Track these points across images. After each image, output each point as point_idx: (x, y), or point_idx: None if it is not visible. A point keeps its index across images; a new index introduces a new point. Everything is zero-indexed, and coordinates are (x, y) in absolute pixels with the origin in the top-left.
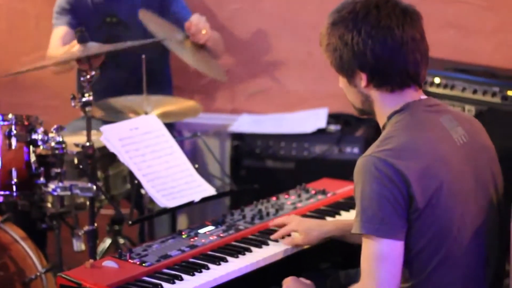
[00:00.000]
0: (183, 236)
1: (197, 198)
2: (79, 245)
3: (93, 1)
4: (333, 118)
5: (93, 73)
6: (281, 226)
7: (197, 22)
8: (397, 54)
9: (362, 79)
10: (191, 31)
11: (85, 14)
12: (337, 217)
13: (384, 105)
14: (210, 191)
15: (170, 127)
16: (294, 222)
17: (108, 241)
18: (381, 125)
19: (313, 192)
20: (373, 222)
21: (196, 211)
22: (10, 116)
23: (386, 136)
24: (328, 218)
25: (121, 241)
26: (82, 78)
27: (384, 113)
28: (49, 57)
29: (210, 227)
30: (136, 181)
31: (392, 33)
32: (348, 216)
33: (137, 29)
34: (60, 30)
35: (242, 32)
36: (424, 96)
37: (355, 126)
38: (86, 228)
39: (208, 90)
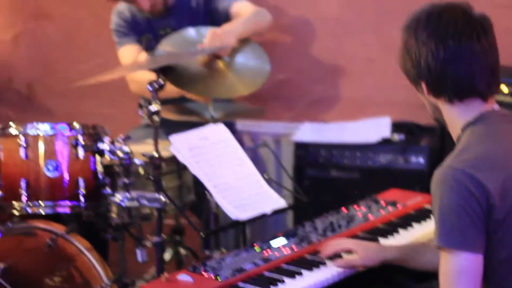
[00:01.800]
0: (256, 249)
1: (269, 210)
2: (143, 256)
3: (147, 16)
4: (396, 127)
5: (161, 82)
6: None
7: (209, 42)
8: (449, 65)
9: (423, 87)
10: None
11: (140, 30)
12: (409, 229)
13: (452, 116)
14: (282, 203)
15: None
16: (351, 243)
17: (169, 252)
18: (454, 136)
19: (383, 203)
20: (452, 235)
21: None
22: (76, 125)
23: (462, 147)
24: (401, 231)
25: (183, 252)
26: (150, 88)
27: (456, 124)
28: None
29: (282, 240)
30: (201, 191)
31: (446, 44)
32: (420, 229)
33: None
34: (129, 47)
35: (302, 39)
36: (496, 107)
37: (419, 135)
38: (152, 239)
39: (268, 98)
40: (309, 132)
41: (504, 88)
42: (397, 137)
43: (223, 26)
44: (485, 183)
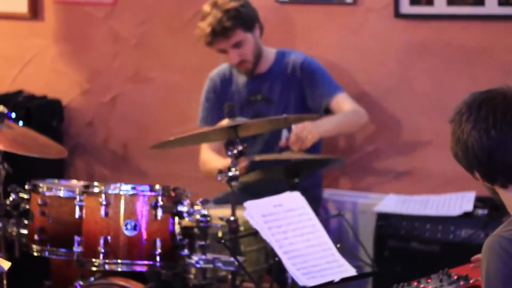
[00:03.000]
0: None
1: (337, 278)
2: None
3: (237, 83)
4: (480, 202)
5: (240, 147)
6: None
7: (296, 137)
8: (495, 154)
9: (478, 176)
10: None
11: (230, 97)
12: None
13: (509, 197)
14: (351, 271)
15: (316, 203)
16: None
17: None
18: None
19: (455, 277)
20: None
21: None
22: (157, 187)
23: None
24: None
25: None
26: (229, 153)
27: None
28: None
29: None
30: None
31: (489, 134)
32: None
33: (280, 103)
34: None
35: (393, 111)
36: None
37: (503, 211)
38: None
39: (356, 168)
40: (392, 203)
41: None
42: (480, 212)
43: (318, 121)
44: None
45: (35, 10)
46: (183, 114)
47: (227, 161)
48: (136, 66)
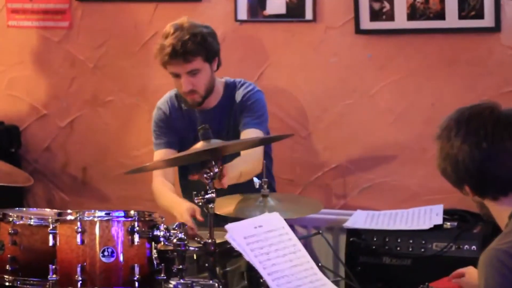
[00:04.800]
0: None
1: None
2: None
3: (184, 114)
4: (449, 214)
5: (216, 170)
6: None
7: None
8: (486, 166)
9: (467, 190)
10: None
11: (179, 125)
12: None
13: (499, 209)
14: None
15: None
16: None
17: None
18: (503, 226)
19: None
20: None
21: None
22: (132, 212)
23: (508, 230)
24: None
25: None
26: (205, 175)
27: (503, 215)
28: (159, 200)
29: None
30: (254, 277)
31: (480, 147)
32: None
33: (229, 137)
34: (162, 152)
35: (356, 127)
36: None
37: (472, 223)
38: None
39: (320, 185)
40: (361, 219)
41: None
42: (449, 224)
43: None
44: None
45: None
46: (142, 137)
47: (184, 207)
48: (94, 89)
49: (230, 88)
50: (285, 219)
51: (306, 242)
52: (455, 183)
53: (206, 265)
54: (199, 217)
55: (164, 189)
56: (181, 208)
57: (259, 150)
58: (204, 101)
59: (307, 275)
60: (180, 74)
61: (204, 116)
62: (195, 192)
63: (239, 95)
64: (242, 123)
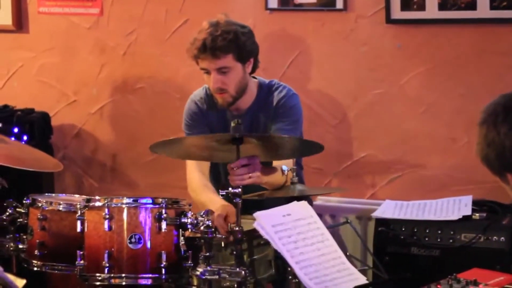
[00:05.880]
0: None
1: (349, 286)
2: None
3: (217, 112)
4: (478, 205)
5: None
6: None
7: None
8: None
9: (509, 178)
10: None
11: (210, 120)
12: None
13: None
14: (362, 279)
15: None
16: None
17: None
18: None
19: (464, 283)
20: None
21: None
22: (160, 199)
23: None
24: None
25: None
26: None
27: None
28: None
29: None
30: (281, 265)
31: None
32: None
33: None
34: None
35: (385, 116)
36: None
37: (501, 214)
38: None
39: (349, 174)
40: (390, 209)
41: None
42: (478, 215)
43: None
44: None
45: (19, 22)
46: (172, 124)
47: (218, 211)
48: (124, 76)
49: (265, 90)
50: (313, 207)
51: (335, 231)
52: (497, 170)
53: (234, 252)
54: (231, 220)
55: (201, 188)
56: (215, 210)
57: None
58: (235, 101)
59: (335, 264)
60: (210, 70)
61: (236, 118)
62: (220, 184)
63: (274, 99)
64: (275, 128)
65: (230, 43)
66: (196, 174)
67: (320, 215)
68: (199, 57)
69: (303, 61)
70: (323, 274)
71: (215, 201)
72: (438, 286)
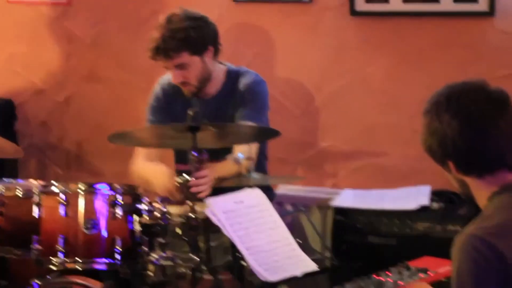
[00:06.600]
0: None
1: (299, 273)
2: None
3: (184, 98)
4: (436, 195)
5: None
6: None
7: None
8: (476, 143)
9: (451, 166)
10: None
11: (177, 107)
12: None
13: (480, 189)
14: (313, 266)
15: (270, 198)
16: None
17: None
18: (482, 207)
19: (414, 270)
20: None
21: (298, 286)
22: (116, 185)
23: (486, 215)
24: None
25: None
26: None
27: (483, 196)
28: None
29: None
30: (237, 253)
31: (471, 124)
32: None
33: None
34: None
35: (349, 107)
36: None
37: (459, 204)
38: None
39: (312, 164)
40: (349, 198)
41: None
42: (436, 205)
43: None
44: (504, 252)
45: None
46: (137, 113)
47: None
48: (91, 65)
49: (232, 76)
50: (275, 196)
51: (295, 219)
52: (440, 159)
53: (188, 239)
54: (175, 198)
55: (144, 164)
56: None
57: (254, 149)
58: (200, 90)
59: (286, 250)
60: (168, 67)
61: (203, 105)
62: (177, 170)
63: (241, 85)
64: (240, 115)
65: (181, 42)
66: (140, 160)
67: (281, 204)
68: (155, 59)
69: (268, 52)
70: (273, 260)
71: (161, 168)
72: (388, 273)
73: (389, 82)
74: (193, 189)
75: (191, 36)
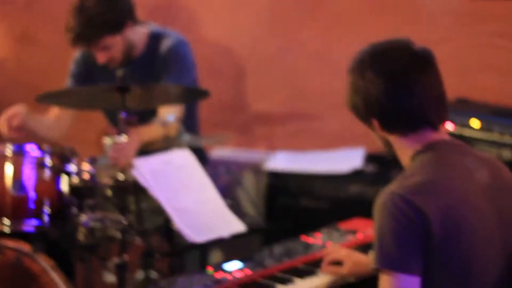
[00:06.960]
0: (209, 272)
1: (226, 234)
2: (110, 277)
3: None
4: (369, 158)
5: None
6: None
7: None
8: (400, 100)
9: (375, 125)
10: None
11: (99, 72)
12: (369, 256)
13: (403, 147)
14: (241, 228)
15: (202, 161)
16: (343, 252)
17: (141, 274)
18: (405, 166)
19: (343, 231)
20: (389, 258)
21: (229, 248)
22: (45, 146)
23: (408, 173)
24: None
25: (153, 274)
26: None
27: (406, 155)
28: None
29: (238, 263)
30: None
31: (395, 80)
32: None
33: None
34: None
35: (284, 70)
36: (447, 137)
37: (392, 167)
38: (116, 260)
39: (246, 127)
40: (282, 161)
41: (473, 123)
42: (369, 168)
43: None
44: (424, 209)
45: None
46: None
47: None
48: (24, 27)
49: (155, 39)
50: (208, 159)
51: (229, 183)
52: (364, 117)
53: (118, 202)
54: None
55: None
56: None
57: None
58: (124, 60)
59: (214, 212)
60: (91, 50)
61: (126, 69)
62: (106, 133)
63: (163, 47)
64: (164, 78)
65: (100, 28)
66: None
67: (215, 167)
68: (75, 46)
69: (199, 15)
70: (201, 222)
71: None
72: (317, 235)
73: (325, 45)
74: (110, 157)
75: (108, 18)
